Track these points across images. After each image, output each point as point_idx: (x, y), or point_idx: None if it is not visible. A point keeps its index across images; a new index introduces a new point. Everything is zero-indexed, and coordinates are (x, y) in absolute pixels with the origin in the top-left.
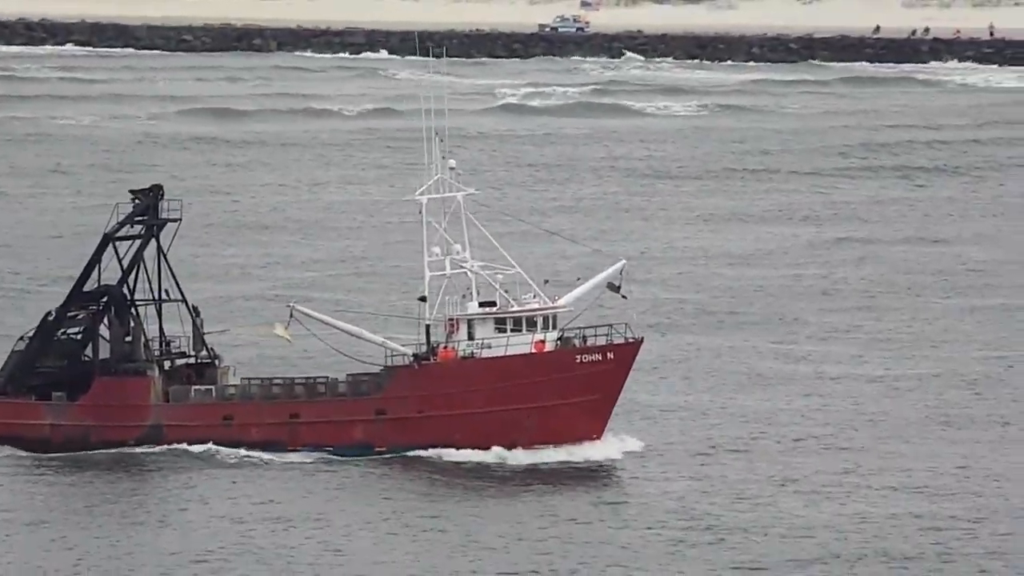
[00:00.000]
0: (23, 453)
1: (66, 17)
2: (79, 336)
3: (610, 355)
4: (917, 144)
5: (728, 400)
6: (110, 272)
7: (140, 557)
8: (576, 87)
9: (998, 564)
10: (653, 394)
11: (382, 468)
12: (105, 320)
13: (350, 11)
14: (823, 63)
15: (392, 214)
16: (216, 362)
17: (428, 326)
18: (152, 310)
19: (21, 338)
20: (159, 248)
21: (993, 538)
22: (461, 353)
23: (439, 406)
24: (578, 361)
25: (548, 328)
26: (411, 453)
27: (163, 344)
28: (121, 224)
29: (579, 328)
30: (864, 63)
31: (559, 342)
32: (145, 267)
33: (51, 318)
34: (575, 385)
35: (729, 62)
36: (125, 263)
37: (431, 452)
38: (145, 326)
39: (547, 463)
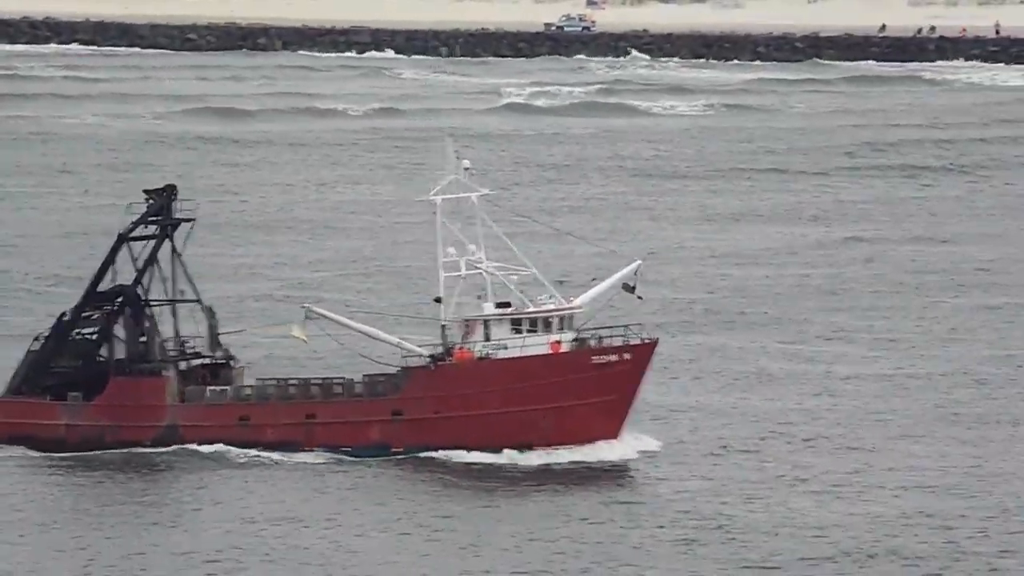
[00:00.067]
0: (38, 453)
1: (70, 16)
2: (94, 336)
3: (626, 355)
4: (924, 143)
5: (738, 400)
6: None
7: (152, 557)
8: (582, 86)
9: (1010, 562)
10: (663, 394)
11: (394, 468)
12: (120, 320)
13: (355, 10)
14: (829, 62)
15: (400, 214)
16: (231, 362)
17: (444, 327)
18: (167, 310)
19: (36, 338)
20: (173, 248)
21: (1003, 536)
22: (477, 354)
23: (455, 407)
24: (594, 362)
25: (564, 329)
26: (426, 454)
27: (178, 344)
28: (135, 224)
29: (595, 329)
30: (870, 62)
31: (575, 343)
32: (159, 267)
33: (66, 318)
34: (591, 386)
35: (735, 61)
36: (139, 263)
37: (447, 453)
38: (160, 326)
39: (560, 463)
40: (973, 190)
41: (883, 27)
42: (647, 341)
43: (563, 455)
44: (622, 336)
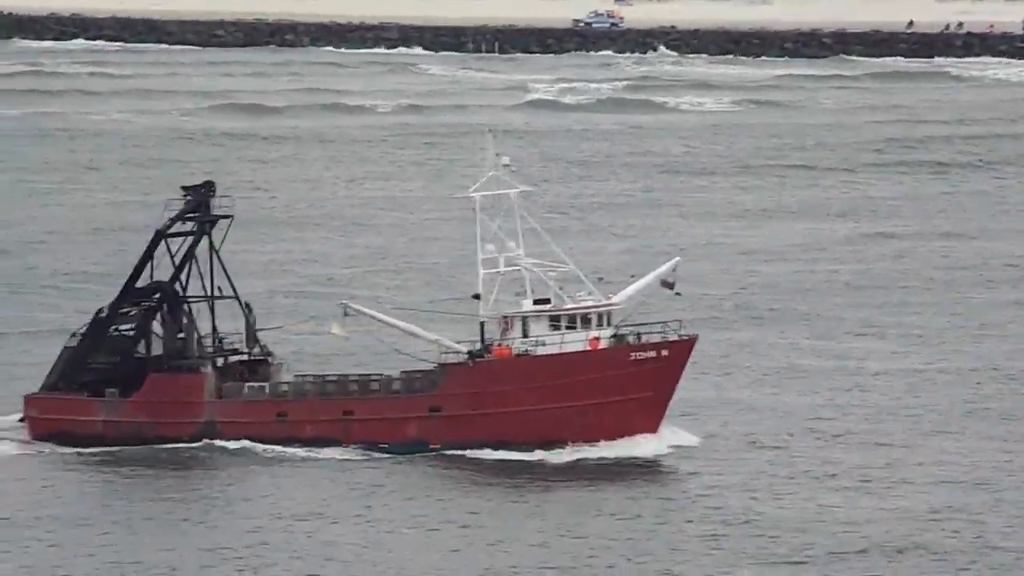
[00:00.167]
0: (71, 449)
1: (97, 12)
2: (131, 333)
3: (664, 352)
4: (952, 139)
5: (768, 395)
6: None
7: (181, 553)
8: (610, 82)
9: None
10: (693, 390)
11: (422, 464)
12: (158, 317)
13: (383, 6)
14: (856, 58)
15: (429, 210)
16: (269, 359)
17: (482, 323)
18: (204, 307)
19: (73, 334)
20: (211, 244)
21: None
22: (515, 350)
23: (493, 403)
24: (632, 358)
25: (602, 325)
26: (462, 450)
27: (216, 341)
28: (173, 220)
29: (634, 325)
30: (898, 58)
31: (613, 339)
32: (197, 263)
33: (103, 315)
34: (629, 382)
35: (762, 57)
36: (177, 259)
37: (483, 449)
38: (198, 323)
39: (590, 459)
40: (1001, 186)
41: (911, 23)
42: (685, 338)
43: (596, 450)
44: (660, 332)
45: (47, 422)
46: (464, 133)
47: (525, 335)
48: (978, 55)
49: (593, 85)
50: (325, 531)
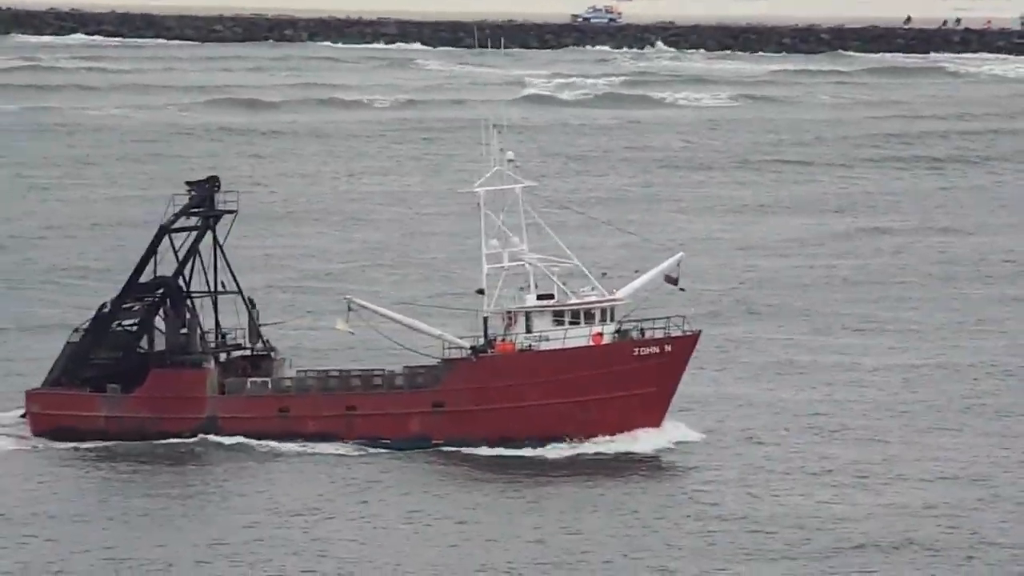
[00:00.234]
0: (72, 445)
1: (95, 7)
2: (134, 328)
3: (668, 347)
4: (949, 135)
5: (765, 390)
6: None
7: (177, 549)
8: (608, 78)
9: None
10: (690, 385)
11: (419, 459)
12: (161, 312)
13: (382, 1)
14: (854, 54)
15: (427, 205)
16: (272, 354)
17: (486, 318)
18: (207, 302)
19: (76, 330)
20: (215, 240)
21: None
22: (519, 346)
23: (497, 399)
24: (636, 354)
25: (606, 320)
26: (466, 446)
27: (219, 336)
28: (177, 215)
29: (636, 320)
30: (895, 53)
31: (617, 334)
32: (201, 258)
33: (106, 310)
34: (632, 378)
35: (760, 53)
36: (181, 255)
37: (486, 444)
38: (200, 318)
39: (588, 454)
40: (999, 181)
41: (908, 19)
42: (689, 333)
43: (598, 446)
44: (664, 328)
45: (49, 418)
46: (461, 128)
47: (528, 330)
48: (976, 51)
49: (590, 80)
50: (321, 527)
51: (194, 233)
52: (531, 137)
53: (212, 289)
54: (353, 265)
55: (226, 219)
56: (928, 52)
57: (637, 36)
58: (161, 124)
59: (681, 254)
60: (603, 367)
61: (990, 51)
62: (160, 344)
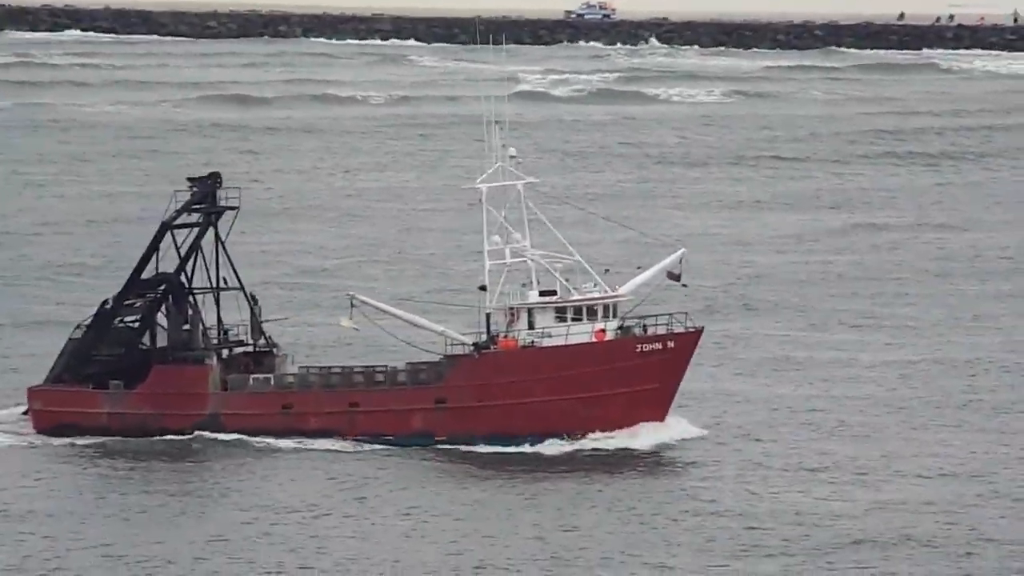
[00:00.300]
0: (72, 441)
1: (90, 4)
2: (136, 324)
3: (670, 344)
4: (943, 131)
5: (761, 386)
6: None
7: (173, 546)
8: (601, 74)
9: None
10: (687, 381)
11: (416, 456)
12: (163, 308)
13: None
14: (847, 50)
15: (423, 201)
16: (274, 350)
17: (488, 315)
18: (210, 298)
19: (78, 326)
20: (217, 236)
21: None
22: (521, 342)
23: (499, 395)
24: (638, 350)
25: (608, 317)
26: (468, 442)
27: (221, 332)
28: (179, 212)
29: (639, 317)
30: (889, 50)
31: (619, 331)
32: (203, 255)
33: (108, 306)
34: (635, 374)
35: (754, 49)
36: (183, 251)
37: (489, 441)
38: (203, 314)
39: (585, 450)
40: (994, 178)
41: (902, 15)
42: (691, 329)
43: (601, 442)
44: (666, 324)
45: (51, 414)
46: (456, 124)
47: (531, 327)
48: (968, 47)
49: (584, 76)
50: (319, 523)
51: (196, 229)
52: (526, 133)
53: (214, 285)
54: (349, 261)
55: (228, 215)
56: (921, 48)
57: (631, 32)
58: (155, 120)
59: (683, 250)
60: (606, 364)
61: (983, 47)
62: (162, 340)
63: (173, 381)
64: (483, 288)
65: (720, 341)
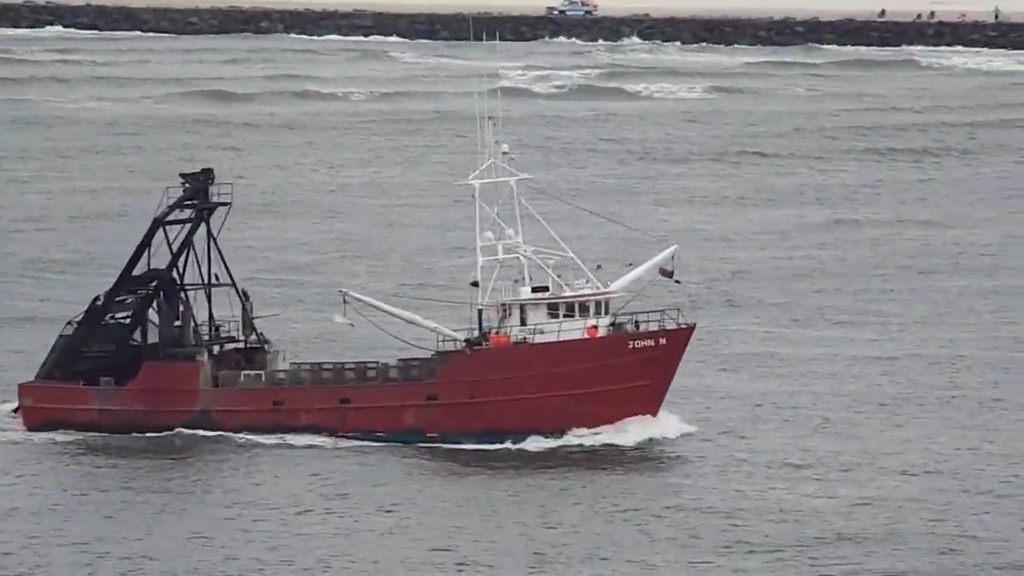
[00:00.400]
0: (52, 437)
1: (72, 0)
2: (127, 321)
3: (662, 340)
4: (925, 127)
5: (744, 382)
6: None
7: (155, 542)
8: (583, 70)
9: (1012, 545)
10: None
11: (399, 453)
12: (154, 304)
13: None
14: (828, 46)
15: (406, 197)
16: (266, 347)
17: (480, 311)
18: (200, 294)
19: (69, 323)
20: (209, 232)
21: (1007, 520)
22: (513, 338)
23: (491, 392)
24: (630, 347)
25: (600, 313)
26: (460, 439)
27: (212, 328)
28: (171, 208)
29: (631, 313)
30: (870, 47)
31: (611, 327)
32: (195, 251)
33: (99, 302)
34: (627, 371)
35: (735, 45)
36: (175, 247)
37: (481, 437)
38: (195, 310)
39: (570, 447)
40: (975, 174)
41: (883, 12)
42: (684, 326)
43: (591, 438)
44: (658, 321)
45: (42, 411)
46: (437, 120)
47: (523, 323)
48: (949, 44)
49: (565, 73)
50: (301, 519)
51: (188, 225)
52: (509, 130)
53: (206, 281)
54: (333, 256)
55: (220, 211)
56: (902, 45)
57: (612, 28)
58: (138, 116)
59: (675, 247)
60: (598, 360)
61: (964, 44)
62: (153, 337)
63: (164, 377)
64: (475, 284)
65: (704, 337)
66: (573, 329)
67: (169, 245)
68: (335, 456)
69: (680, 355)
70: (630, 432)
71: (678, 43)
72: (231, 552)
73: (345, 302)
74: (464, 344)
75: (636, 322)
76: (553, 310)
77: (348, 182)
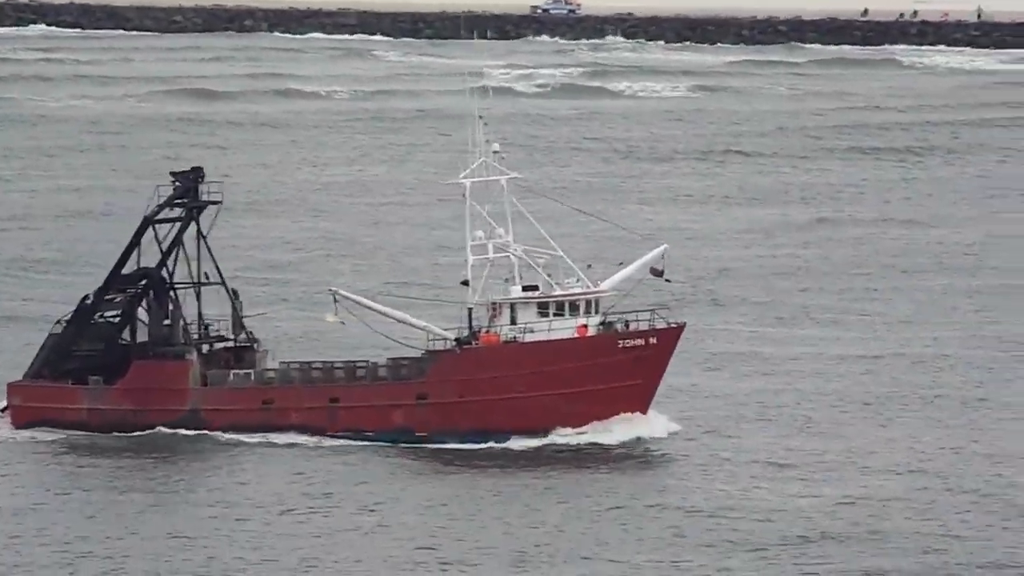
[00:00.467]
0: (33, 435)
1: None
2: (116, 319)
3: (652, 340)
4: (910, 127)
5: (728, 381)
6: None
7: (135, 542)
8: (566, 69)
9: (995, 544)
10: None
11: (384, 451)
12: (144, 303)
13: None
14: (811, 46)
15: (391, 195)
16: (255, 346)
17: (470, 310)
18: (190, 293)
19: (58, 321)
20: (199, 230)
21: (989, 518)
22: (504, 337)
23: (481, 391)
24: (620, 346)
25: (591, 312)
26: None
27: (202, 327)
28: (161, 206)
29: (621, 312)
30: (853, 46)
31: (601, 327)
32: (184, 250)
33: (88, 301)
34: (617, 370)
35: (718, 44)
36: (164, 246)
37: (470, 436)
38: (183, 309)
39: (555, 445)
40: (958, 173)
41: (865, 11)
42: (673, 325)
43: (580, 437)
44: (648, 320)
45: (30, 410)
46: (420, 118)
47: (513, 322)
48: (932, 44)
49: (548, 71)
50: (284, 519)
51: (178, 224)
52: (493, 128)
53: (195, 280)
54: (318, 255)
55: (209, 210)
56: (884, 44)
57: (595, 27)
58: (121, 115)
59: (665, 246)
60: (588, 359)
61: (947, 44)
62: (143, 336)
63: (153, 376)
64: (465, 283)
65: (688, 336)
66: (563, 328)
67: (159, 244)
68: (319, 455)
69: (670, 354)
70: (617, 431)
71: (661, 42)
72: (214, 552)
73: (336, 301)
74: (454, 343)
75: (626, 321)
76: (543, 309)
77: (333, 181)
